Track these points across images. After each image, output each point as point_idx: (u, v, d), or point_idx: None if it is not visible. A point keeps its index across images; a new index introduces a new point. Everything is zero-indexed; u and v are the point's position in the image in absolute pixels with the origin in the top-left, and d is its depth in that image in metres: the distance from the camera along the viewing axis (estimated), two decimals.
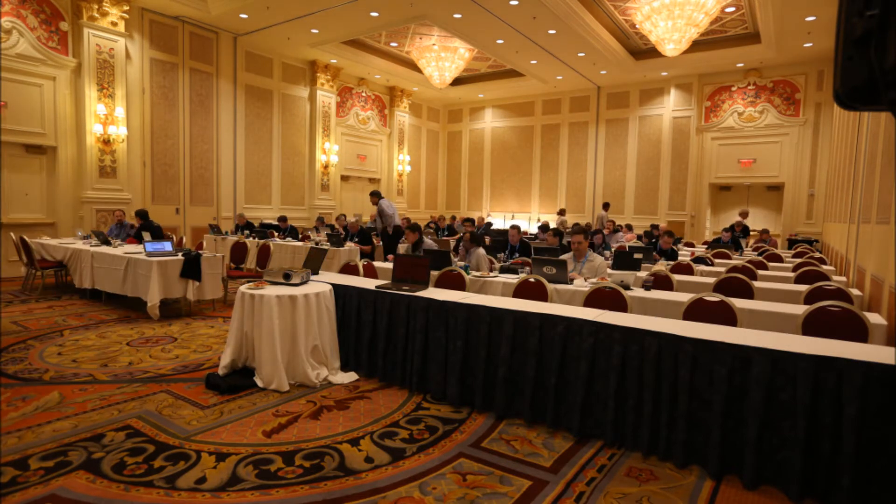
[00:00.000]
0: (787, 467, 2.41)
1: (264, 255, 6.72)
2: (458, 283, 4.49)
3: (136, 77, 9.46)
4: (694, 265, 5.90)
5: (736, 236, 9.54)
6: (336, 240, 8.00)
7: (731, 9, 9.77)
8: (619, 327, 2.91)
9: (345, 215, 10.25)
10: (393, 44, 12.30)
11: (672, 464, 2.68)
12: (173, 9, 9.54)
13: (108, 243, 6.82)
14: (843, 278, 5.58)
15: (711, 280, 4.87)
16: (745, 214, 11.41)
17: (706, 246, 9.43)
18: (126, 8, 8.99)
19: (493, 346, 3.33)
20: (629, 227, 11.56)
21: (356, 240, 8.47)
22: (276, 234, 9.81)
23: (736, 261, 6.78)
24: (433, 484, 2.45)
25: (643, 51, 12.19)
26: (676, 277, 4.85)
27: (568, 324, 3.08)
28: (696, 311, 3.46)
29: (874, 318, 3.16)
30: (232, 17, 9.90)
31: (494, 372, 3.31)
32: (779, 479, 2.45)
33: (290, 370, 3.67)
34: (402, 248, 7.68)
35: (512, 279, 4.56)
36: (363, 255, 8.00)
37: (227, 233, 9.64)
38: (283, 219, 10.19)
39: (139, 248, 6.37)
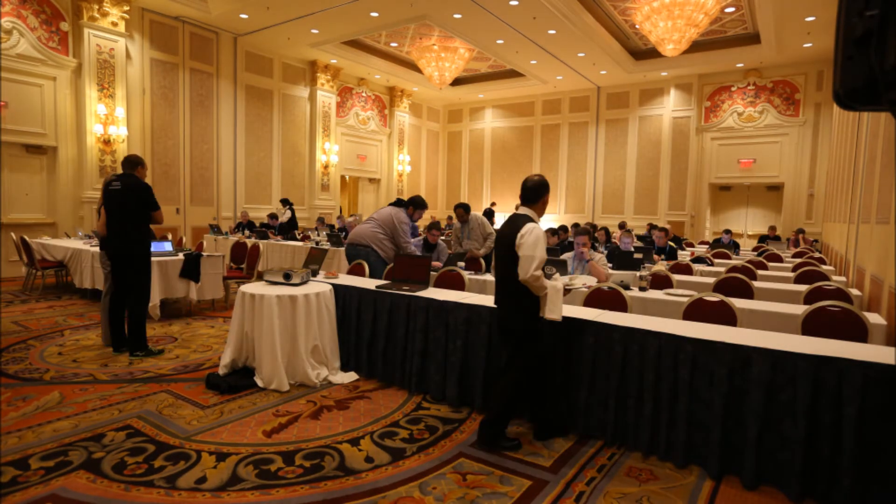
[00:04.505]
0: (787, 467, 2.41)
1: (254, 255, 6.68)
2: (457, 283, 4.49)
3: (137, 77, 9.46)
4: (694, 265, 5.90)
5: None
6: (336, 240, 8.00)
7: (731, 9, 9.77)
8: (619, 327, 2.91)
9: (352, 215, 10.26)
10: (393, 44, 12.30)
11: (672, 464, 2.68)
12: (173, 9, 9.54)
13: None
14: (843, 278, 5.58)
15: (711, 280, 4.87)
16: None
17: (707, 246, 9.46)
18: (126, 8, 8.99)
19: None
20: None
21: None
22: (272, 233, 9.81)
23: (736, 261, 6.78)
24: (433, 484, 2.45)
25: (643, 51, 12.20)
26: (676, 277, 4.85)
27: (568, 324, 3.08)
28: (696, 311, 3.46)
29: (874, 318, 3.16)
30: (232, 17, 9.91)
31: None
32: (779, 479, 2.45)
33: (290, 370, 3.67)
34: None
35: None
36: None
37: (227, 233, 9.65)
38: (273, 216, 10.18)
39: None
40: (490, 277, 4.75)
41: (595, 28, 10.31)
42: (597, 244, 7.46)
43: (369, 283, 4.20)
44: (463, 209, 6.14)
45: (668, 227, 9.28)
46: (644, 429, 2.78)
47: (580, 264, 4.79)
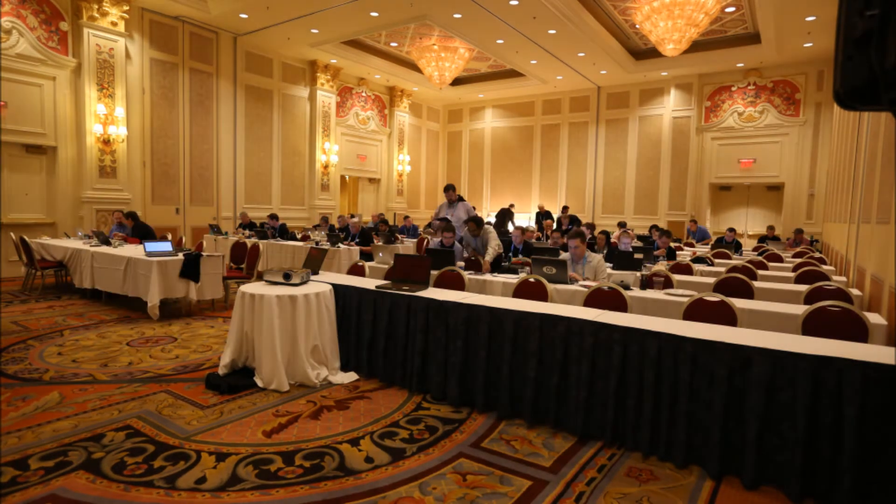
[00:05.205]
0: (787, 467, 2.41)
1: (254, 255, 6.67)
2: (457, 283, 4.49)
3: (136, 77, 9.46)
4: (694, 265, 5.90)
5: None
6: (336, 240, 8.00)
7: (731, 9, 9.77)
8: (619, 327, 2.91)
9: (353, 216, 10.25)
10: (393, 44, 12.30)
11: (672, 464, 2.68)
12: (173, 9, 9.54)
13: (108, 243, 6.82)
14: (844, 278, 5.58)
15: (711, 280, 4.86)
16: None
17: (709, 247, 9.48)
18: (126, 8, 8.99)
19: (494, 346, 3.33)
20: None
21: (357, 240, 8.46)
22: (272, 233, 9.81)
23: (736, 261, 6.78)
24: (433, 484, 2.45)
25: (643, 51, 12.19)
26: (676, 277, 4.85)
27: (568, 324, 3.08)
28: (696, 311, 3.46)
29: (874, 318, 3.16)
30: (232, 17, 9.90)
31: (495, 372, 3.31)
32: (779, 479, 2.45)
33: (290, 370, 3.67)
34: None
35: (512, 279, 4.56)
36: (362, 255, 7.99)
37: (226, 233, 9.65)
38: (274, 216, 10.17)
39: (139, 248, 6.36)
40: (490, 277, 4.75)
41: (595, 28, 10.31)
42: (595, 247, 7.41)
43: (369, 283, 4.20)
44: (475, 223, 5.83)
45: (669, 231, 9.28)
46: (644, 429, 2.78)
47: (579, 265, 4.79)
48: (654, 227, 10.41)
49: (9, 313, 5.76)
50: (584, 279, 4.61)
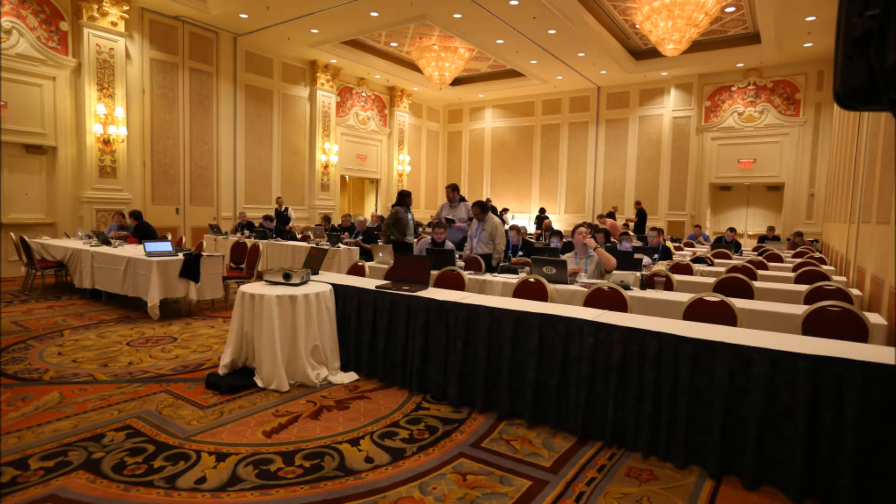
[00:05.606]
0: (787, 467, 2.41)
1: (254, 255, 6.68)
2: (457, 283, 4.49)
3: (136, 77, 9.46)
4: (694, 265, 5.89)
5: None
6: (336, 240, 8.00)
7: (731, 9, 9.77)
8: (619, 327, 2.91)
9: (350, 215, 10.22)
10: (393, 44, 12.30)
11: (672, 464, 2.68)
12: (173, 9, 9.54)
13: (108, 243, 6.82)
14: (844, 278, 5.58)
15: (711, 280, 4.86)
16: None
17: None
18: (126, 8, 8.99)
19: (494, 346, 3.33)
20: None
21: (360, 237, 8.46)
22: (271, 233, 9.80)
23: (736, 261, 6.78)
24: (433, 484, 2.45)
25: (643, 51, 12.20)
26: (676, 277, 4.85)
27: (568, 324, 3.07)
28: (696, 311, 3.46)
29: (874, 318, 3.15)
30: (232, 17, 9.91)
31: (495, 372, 3.31)
32: (779, 479, 2.45)
33: (290, 370, 3.67)
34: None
35: (512, 279, 4.56)
36: (362, 254, 7.99)
37: (226, 233, 9.65)
38: (268, 218, 10.17)
39: (139, 248, 6.36)
40: (490, 277, 4.75)
41: (595, 28, 10.31)
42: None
43: (369, 283, 4.20)
44: (479, 207, 5.97)
45: (662, 228, 9.31)
46: (644, 429, 2.78)
47: (584, 258, 4.78)
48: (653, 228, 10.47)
49: (9, 313, 5.76)
50: (585, 272, 4.61)
